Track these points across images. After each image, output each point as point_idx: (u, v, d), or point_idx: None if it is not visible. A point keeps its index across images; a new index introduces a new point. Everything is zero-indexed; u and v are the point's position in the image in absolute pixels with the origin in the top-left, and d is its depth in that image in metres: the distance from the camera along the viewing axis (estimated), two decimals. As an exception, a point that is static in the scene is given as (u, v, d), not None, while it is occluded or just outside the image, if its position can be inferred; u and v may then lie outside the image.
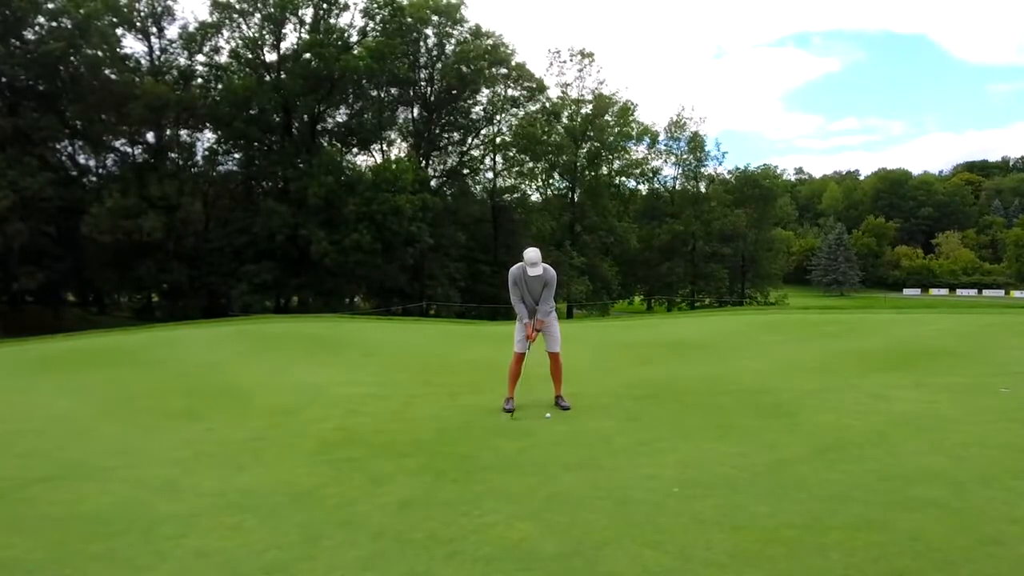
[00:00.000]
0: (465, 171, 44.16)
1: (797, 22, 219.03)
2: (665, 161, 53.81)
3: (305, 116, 38.74)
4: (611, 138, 47.02)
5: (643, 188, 54.39)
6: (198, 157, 38.99)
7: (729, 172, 57.37)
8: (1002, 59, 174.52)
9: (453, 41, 41.32)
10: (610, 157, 48.01)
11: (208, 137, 38.89)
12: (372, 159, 42.61)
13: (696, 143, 53.35)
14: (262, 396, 7.30)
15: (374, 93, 40.58)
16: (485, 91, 41.89)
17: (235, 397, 7.25)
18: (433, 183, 42.16)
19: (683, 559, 3.11)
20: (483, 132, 43.57)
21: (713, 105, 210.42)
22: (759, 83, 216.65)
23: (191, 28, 36.68)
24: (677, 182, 55.59)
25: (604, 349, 10.99)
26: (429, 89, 42.15)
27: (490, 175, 44.65)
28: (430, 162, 43.16)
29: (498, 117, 43.36)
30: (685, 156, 53.85)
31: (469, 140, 43.64)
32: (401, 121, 42.77)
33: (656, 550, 3.19)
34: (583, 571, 3.03)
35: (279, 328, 14.55)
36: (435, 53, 41.48)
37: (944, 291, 78.93)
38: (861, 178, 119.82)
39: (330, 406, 6.69)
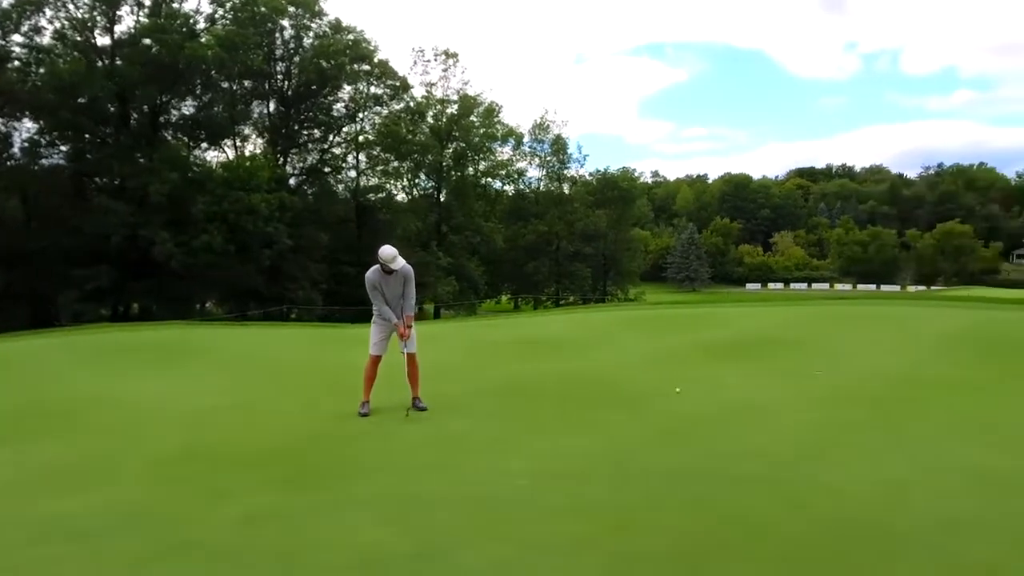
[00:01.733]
0: (327, 169, 42.59)
1: (651, 33, 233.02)
2: (530, 163, 55.11)
3: (145, 107, 35.51)
4: (477, 139, 47.39)
5: (509, 189, 55.38)
6: (15, 149, 34.59)
7: (591, 174, 59.87)
8: (827, 75, 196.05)
9: (312, 34, 39.71)
10: (476, 158, 48.38)
11: (28, 127, 34.62)
12: (224, 155, 40.01)
13: (559, 146, 55.10)
14: (92, 413, 6.62)
15: (225, 85, 38.05)
16: (347, 88, 40.67)
17: (60, 416, 6.52)
18: (292, 182, 40.27)
19: (528, 549, 3.20)
20: (345, 130, 42.23)
21: (575, 109, 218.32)
22: (617, 89, 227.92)
23: (5, 4, 32.48)
24: (541, 183, 57.10)
25: (468, 348, 11.06)
26: (287, 83, 40.21)
27: (353, 174, 43.43)
28: (289, 160, 41.18)
29: (361, 115, 42.22)
30: (549, 158, 55.45)
31: (331, 138, 42.10)
32: (256, 116, 40.45)
33: (504, 543, 3.26)
34: (433, 571, 3.03)
35: (115, 338, 13.24)
36: (292, 46, 39.66)
37: (780, 285, 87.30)
38: (710, 181, 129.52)
39: (170, 420, 6.21)
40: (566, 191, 57.37)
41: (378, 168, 43.91)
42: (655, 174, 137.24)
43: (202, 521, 3.66)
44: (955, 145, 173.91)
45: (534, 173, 56.32)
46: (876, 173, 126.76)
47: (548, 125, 54.19)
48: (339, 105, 41.56)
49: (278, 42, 39.54)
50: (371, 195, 43.50)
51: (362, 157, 43.40)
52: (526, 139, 53.52)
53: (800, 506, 3.64)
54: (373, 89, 41.97)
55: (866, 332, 10.90)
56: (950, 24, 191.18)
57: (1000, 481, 3.95)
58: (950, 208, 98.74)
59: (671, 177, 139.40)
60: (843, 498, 3.73)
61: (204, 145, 39.56)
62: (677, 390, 6.80)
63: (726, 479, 4.10)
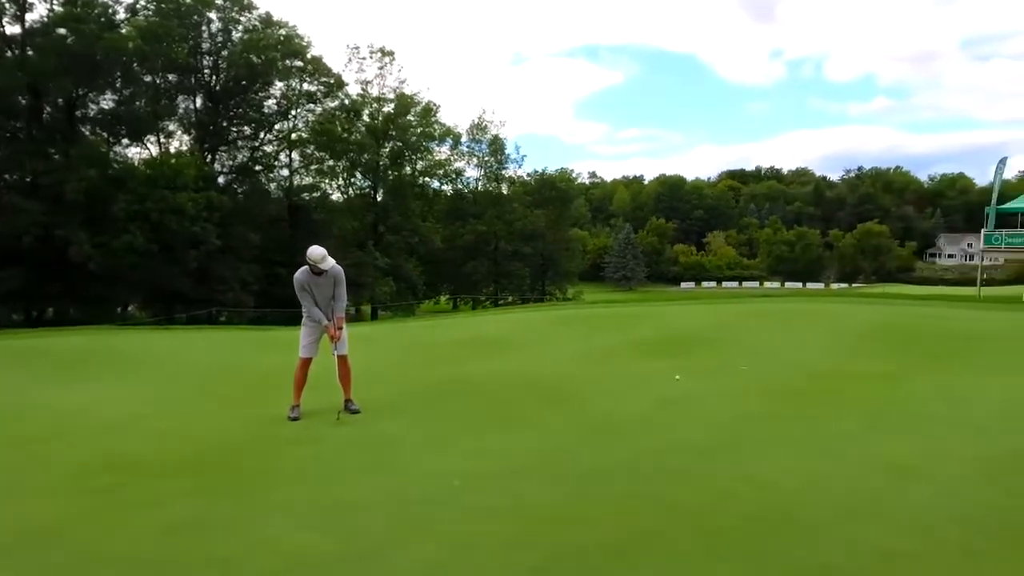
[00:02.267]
0: (258, 168, 41.27)
1: (586, 35, 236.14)
2: (468, 163, 54.92)
3: (60, 100, 33.55)
4: (414, 138, 46.87)
5: (447, 189, 55.10)
6: (-89, 142, 32.13)
7: (529, 175, 60.21)
8: (755, 81, 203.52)
9: (241, 28, 38.41)
10: (413, 157, 47.84)
11: (-73, 120, 32.16)
12: (147, 152, 38.23)
13: (497, 146, 55.18)
14: (3, 424, 6.22)
15: (148, 78, 36.37)
16: (279, 84, 39.50)
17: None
18: (221, 180, 38.86)
19: (460, 549, 3.20)
20: (277, 127, 41.03)
21: (513, 109, 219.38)
22: (554, 90, 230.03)
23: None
24: (479, 183, 57.05)
25: (404, 350, 10.97)
26: (214, 78, 38.75)
27: (286, 173, 42.25)
28: (217, 157, 39.70)
29: (294, 112, 41.12)
30: (487, 158, 55.45)
31: (262, 135, 40.82)
32: (182, 111, 38.80)
33: (436, 544, 3.25)
34: (361, 574, 3.00)
35: (27, 344, 12.48)
36: (220, 39, 38.26)
37: (713, 284, 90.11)
38: (645, 183, 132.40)
39: (88, 429, 5.89)
40: (504, 191, 57.51)
41: (312, 167, 42.93)
42: (592, 175, 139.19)
43: (123, 533, 3.50)
44: (874, 149, 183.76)
45: (472, 173, 56.23)
46: (802, 175, 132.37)
47: (486, 125, 54.21)
48: (270, 102, 40.41)
49: (205, 35, 38.11)
50: (305, 194, 42.47)
51: (295, 155, 42.35)
52: (464, 139, 53.35)
53: (726, 497, 3.77)
54: (306, 86, 41.01)
55: (791, 328, 11.39)
56: (869, 34, 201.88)
57: (903, 469, 4.20)
58: (869, 209, 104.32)
59: (608, 178, 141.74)
60: (765, 489, 3.89)
61: (125, 141, 37.65)
62: (677, 377, 7.30)
63: (656, 473, 4.21)
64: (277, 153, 42.17)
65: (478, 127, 53.98)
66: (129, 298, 36.02)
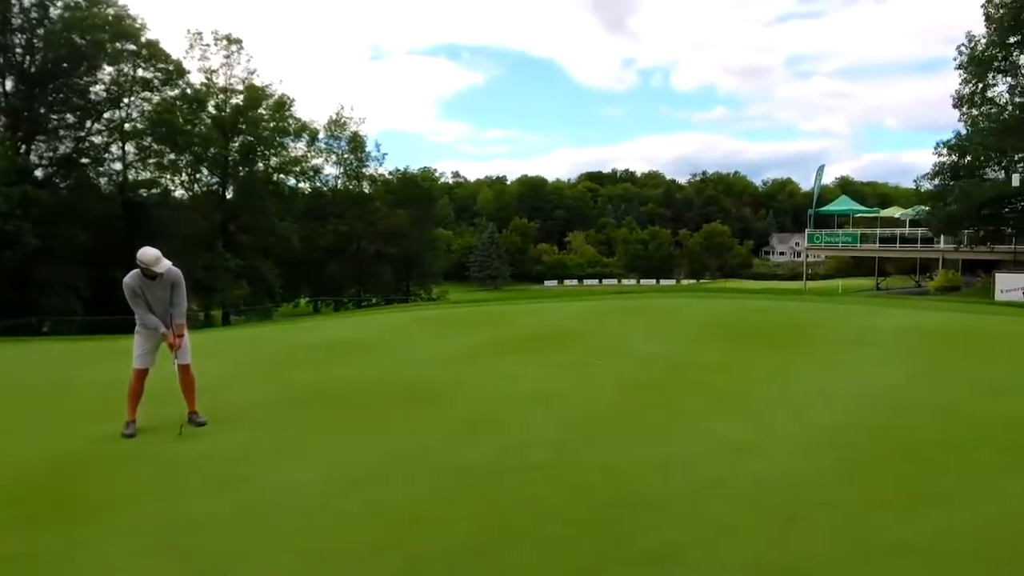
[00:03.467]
0: (85, 160, 37.13)
1: (446, 33, 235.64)
2: (326, 160, 52.95)
3: None
4: (266, 133, 44.34)
5: (305, 187, 52.78)
6: None
7: (391, 173, 59.22)
8: (610, 87, 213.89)
9: (60, 4, 34.37)
10: (267, 153, 45.25)
11: None
12: (-57, 139, 33.18)
13: (357, 143, 53.66)
14: None
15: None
16: (108, 69, 35.68)
17: None
18: (39, 173, 34.59)
19: (317, 559, 3.08)
20: (107, 116, 37.07)
21: (373, 106, 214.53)
22: (415, 88, 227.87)
23: None
24: (339, 181, 55.22)
25: (259, 356, 10.38)
26: (28, 58, 34.32)
27: (119, 166, 38.35)
28: (34, 147, 35.23)
29: (127, 100, 37.33)
30: (346, 156, 53.80)
31: (89, 124, 36.75)
32: (-12, 94, 34.17)
33: (294, 555, 3.11)
34: (208, 601, 2.77)
35: None
36: (35, 15, 33.93)
37: (575, 281, 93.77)
38: (508, 183, 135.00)
39: None
40: (366, 190, 56.16)
41: (150, 161, 39.33)
42: (456, 174, 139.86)
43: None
44: (716, 155, 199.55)
45: (331, 171, 54.30)
46: (654, 178, 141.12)
47: (344, 122, 52.58)
48: (98, 88, 36.42)
49: (15, 9, 33.68)
50: (142, 190, 38.86)
51: (130, 147, 38.57)
52: (321, 135, 51.40)
53: (583, 487, 3.91)
54: (141, 72, 37.45)
55: (644, 322, 12.08)
56: (709, 48, 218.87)
57: (738, 448, 4.59)
58: (713, 211, 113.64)
59: (471, 178, 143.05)
60: (620, 477, 4.08)
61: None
62: (600, 361, 7.85)
63: (517, 469, 4.28)
64: (108, 145, 38.15)
65: (336, 123, 52.27)
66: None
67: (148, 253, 5.54)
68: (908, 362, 7.74)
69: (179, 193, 42.53)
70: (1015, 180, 27.75)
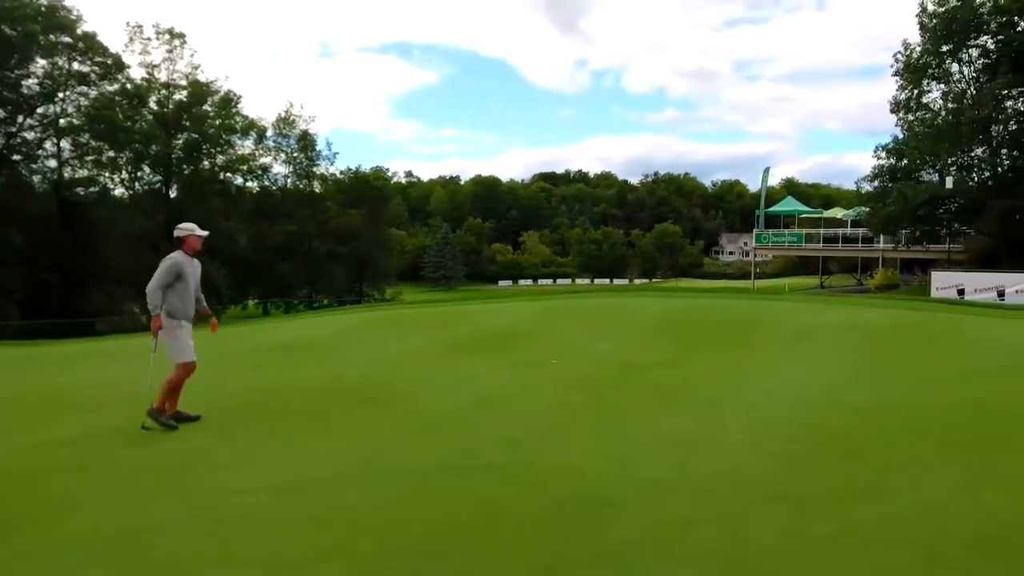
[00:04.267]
0: (17, 157, 35.34)
1: (397, 31, 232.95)
2: (275, 158, 51.71)
3: None
4: (212, 130, 43.03)
5: (253, 185, 51.45)
6: None
7: (342, 172, 58.29)
8: (563, 88, 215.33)
9: (-13, -7, 32.70)
10: (212, 151, 43.96)
11: None
12: None
13: (307, 141, 52.59)
14: None
15: None
16: (41, 61, 34.09)
17: None
18: (-34, 170, 32.91)
19: (266, 567, 3.00)
20: (40, 111, 35.40)
21: (323, 104, 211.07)
22: (366, 86, 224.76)
23: None
24: (289, 180, 54.02)
25: (206, 359, 10.04)
26: (-48, 49, 32.64)
27: (55, 163, 36.66)
28: (-43, 143, 33.50)
29: (62, 95, 35.73)
30: (296, 154, 52.67)
31: (21, 119, 35.03)
32: (-91, 86, 32.21)
33: (240, 563, 3.03)
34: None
35: None
36: (-41, 4, 32.30)
37: (530, 281, 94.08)
38: (462, 183, 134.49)
39: None
40: (317, 189, 55.15)
41: (88, 158, 37.71)
42: (409, 174, 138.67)
43: None
44: (667, 156, 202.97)
45: (280, 169, 53.08)
46: (606, 179, 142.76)
47: (294, 119, 51.48)
48: (31, 81, 34.76)
49: (-60, -2, 31.95)
50: (79, 189, 37.25)
51: (65, 144, 36.94)
52: (270, 133, 50.22)
53: (538, 486, 3.91)
54: (77, 66, 35.90)
55: (597, 321, 12.20)
56: (659, 50, 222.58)
57: (690, 444, 4.67)
58: (664, 211, 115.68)
59: (425, 177, 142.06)
60: (573, 475, 4.09)
61: None
62: (554, 361, 8.00)
63: (471, 469, 4.25)
64: (41, 141, 36.46)
65: (285, 121, 51.14)
66: None
67: (188, 224, 5.50)
68: (850, 358, 8.02)
69: (119, 192, 40.94)
70: (948, 182, 29.12)
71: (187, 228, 5.57)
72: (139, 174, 41.72)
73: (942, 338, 9.73)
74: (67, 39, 34.69)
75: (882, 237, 34.77)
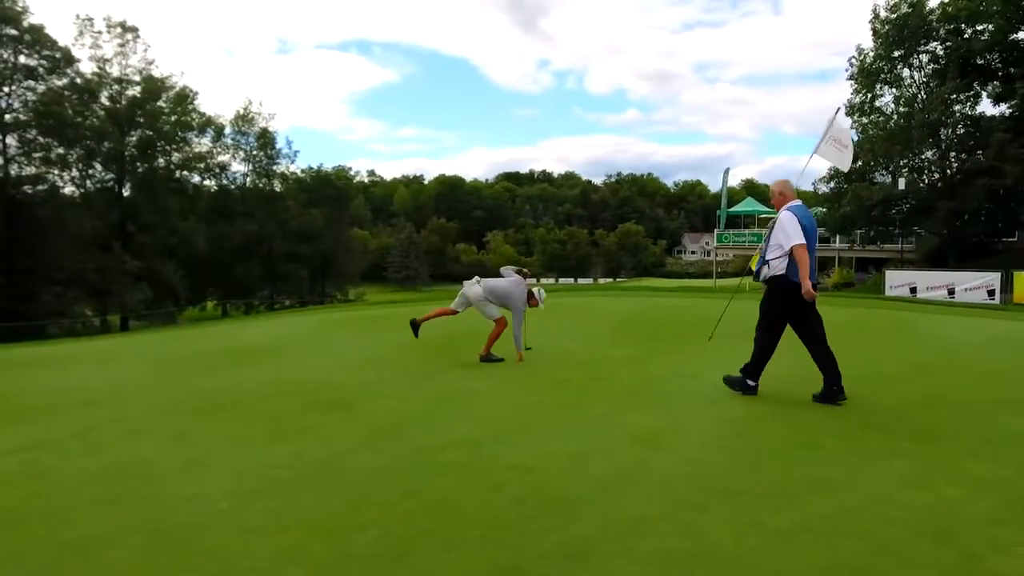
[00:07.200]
0: (-40, 154, 34.13)
1: (356, 29, 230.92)
2: (233, 156, 50.73)
3: None
4: (167, 127, 42.05)
5: (211, 184, 50.33)
6: None
7: (303, 171, 57.49)
8: (525, 88, 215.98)
9: (-73, -18, 31.40)
10: (168, 148, 42.90)
11: None
12: None
13: (266, 139, 51.76)
14: None
15: None
16: (-14, 54, 32.97)
17: None
18: (-93, 167, 31.51)
19: (221, 574, 2.89)
20: (-15, 105, 34.25)
21: (282, 101, 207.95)
22: (326, 84, 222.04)
23: None
24: (248, 179, 53.02)
25: (161, 362, 9.80)
26: None
27: (0, 160, 35.33)
28: (-102, 139, 32.07)
29: (7, 89, 34.51)
30: (255, 152, 51.76)
31: (-36, 115, 33.80)
32: None
33: (194, 573, 2.91)
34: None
35: None
36: (-102, -6, 30.93)
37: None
38: (425, 182, 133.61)
39: None
40: (277, 188, 54.27)
41: (36, 155, 36.47)
42: (371, 173, 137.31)
43: None
44: (628, 156, 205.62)
45: (239, 168, 52.13)
46: (570, 179, 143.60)
47: (252, 117, 50.63)
48: (-25, 75, 33.57)
49: None
50: (26, 187, 35.98)
51: (12, 140, 35.64)
52: (228, 130, 49.26)
53: (497, 486, 3.89)
54: (23, 59, 34.71)
55: (561, 320, 12.23)
56: (619, 52, 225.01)
57: (648, 442, 4.70)
58: (628, 211, 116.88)
59: (387, 176, 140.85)
60: (532, 473, 4.08)
61: None
62: (528, 347, 8.51)
63: (433, 471, 4.21)
64: (-13, 137, 35.17)
65: (244, 118, 50.27)
66: None
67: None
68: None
69: (69, 190, 39.74)
70: (900, 184, 30.08)
71: None
72: (90, 172, 40.52)
73: (895, 334, 10.02)
74: (12, 31, 33.52)
75: (838, 237, 35.71)
